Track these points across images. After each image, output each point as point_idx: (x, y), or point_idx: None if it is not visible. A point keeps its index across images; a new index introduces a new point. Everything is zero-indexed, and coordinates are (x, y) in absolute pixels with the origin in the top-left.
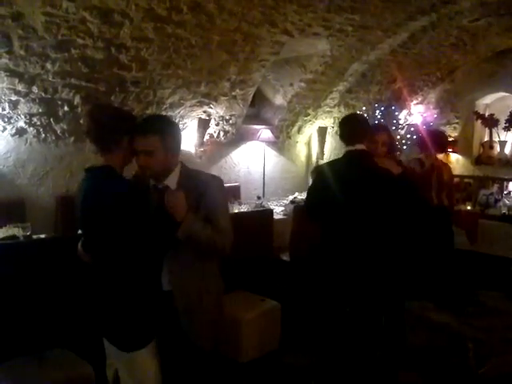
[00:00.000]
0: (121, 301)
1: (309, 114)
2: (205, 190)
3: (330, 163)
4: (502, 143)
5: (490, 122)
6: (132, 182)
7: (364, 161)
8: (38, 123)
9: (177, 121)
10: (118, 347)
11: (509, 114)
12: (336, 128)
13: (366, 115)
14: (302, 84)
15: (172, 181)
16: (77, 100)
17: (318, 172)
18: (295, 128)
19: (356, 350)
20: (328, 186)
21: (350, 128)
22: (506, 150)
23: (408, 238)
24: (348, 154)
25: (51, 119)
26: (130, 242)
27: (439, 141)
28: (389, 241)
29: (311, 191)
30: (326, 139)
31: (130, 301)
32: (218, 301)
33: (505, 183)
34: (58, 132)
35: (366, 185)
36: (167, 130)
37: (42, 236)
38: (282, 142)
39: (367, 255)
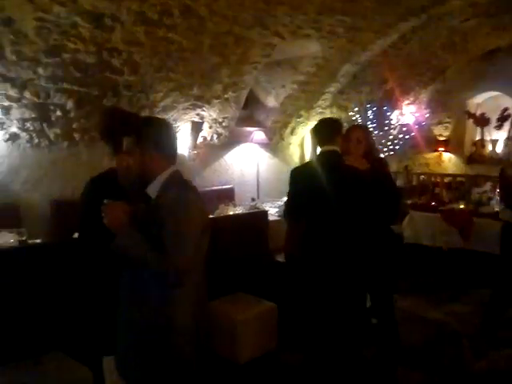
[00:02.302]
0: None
1: (301, 116)
2: (165, 208)
3: (304, 166)
4: (494, 142)
5: (482, 121)
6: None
7: (332, 159)
8: (31, 128)
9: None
10: (96, 349)
11: (500, 112)
12: None
13: (358, 116)
14: (294, 86)
15: (153, 189)
16: (69, 105)
17: (293, 175)
18: (288, 129)
19: (343, 346)
20: (303, 188)
21: (320, 132)
22: (498, 149)
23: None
24: (319, 155)
25: (44, 124)
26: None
27: None
28: (366, 234)
29: (289, 194)
30: None
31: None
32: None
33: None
34: (51, 137)
35: (335, 181)
36: (141, 130)
37: (38, 241)
38: (275, 144)
39: (347, 250)
